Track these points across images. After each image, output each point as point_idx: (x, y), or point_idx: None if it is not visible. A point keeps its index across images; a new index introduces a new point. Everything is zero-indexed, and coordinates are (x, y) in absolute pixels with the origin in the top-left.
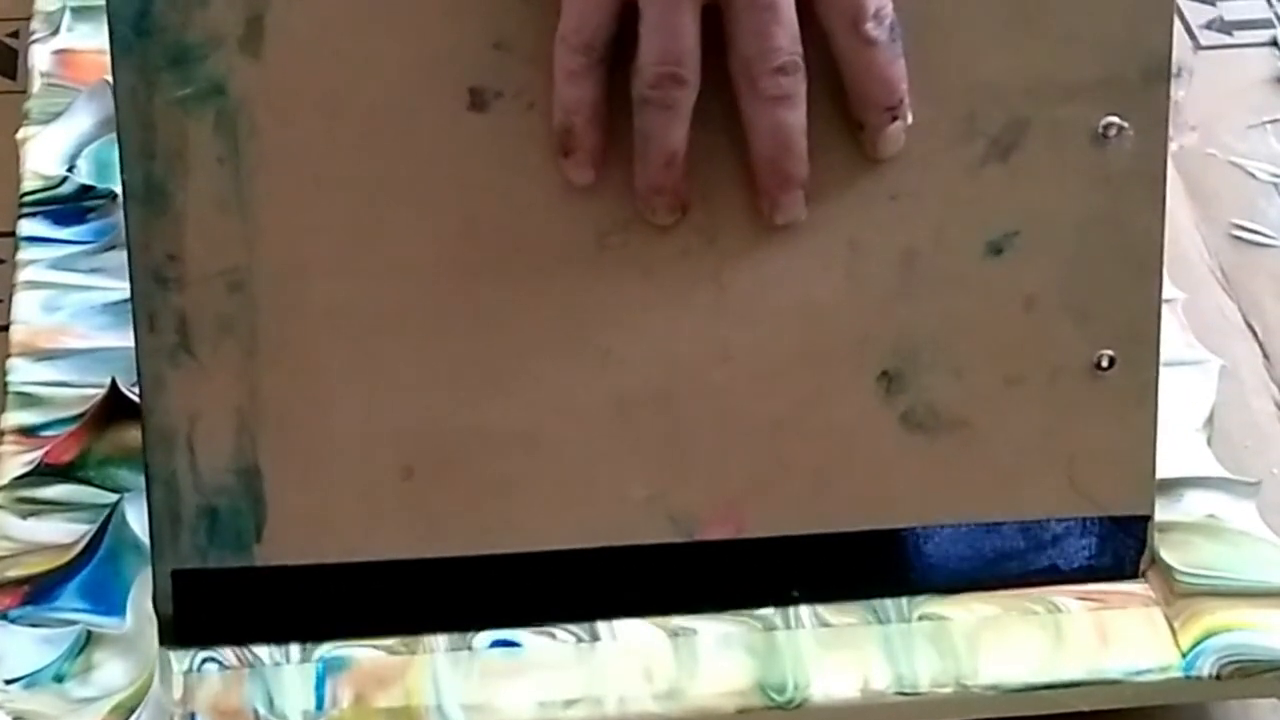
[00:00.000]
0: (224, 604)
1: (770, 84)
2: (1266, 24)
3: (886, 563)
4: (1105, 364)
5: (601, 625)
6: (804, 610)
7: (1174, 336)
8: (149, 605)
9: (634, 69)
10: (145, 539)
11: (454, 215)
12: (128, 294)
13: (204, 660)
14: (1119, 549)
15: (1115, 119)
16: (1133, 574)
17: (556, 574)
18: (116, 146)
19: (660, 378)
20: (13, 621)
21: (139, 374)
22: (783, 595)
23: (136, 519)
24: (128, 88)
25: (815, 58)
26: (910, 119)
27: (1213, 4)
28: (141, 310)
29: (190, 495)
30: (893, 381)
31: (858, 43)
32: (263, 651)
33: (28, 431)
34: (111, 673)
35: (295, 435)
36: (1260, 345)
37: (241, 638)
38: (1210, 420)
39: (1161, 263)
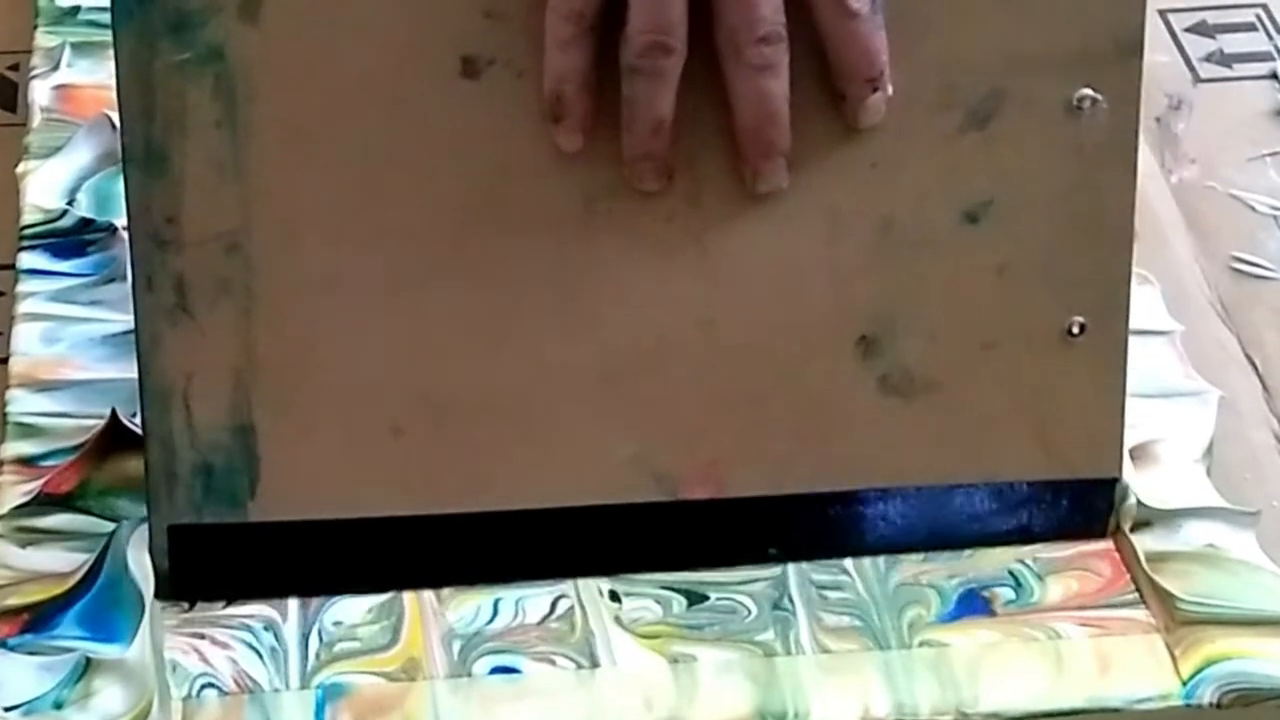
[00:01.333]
0: (218, 559)
1: (754, 53)
2: (1266, 56)
3: (863, 523)
4: (1076, 330)
5: (602, 652)
6: (804, 636)
7: (1172, 368)
8: (149, 633)
9: (623, 38)
10: (145, 566)
11: (446, 180)
12: (127, 326)
13: (203, 686)
14: (1088, 511)
15: (1089, 91)
16: (1100, 535)
17: (543, 532)
18: (117, 179)
19: (645, 340)
20: (12, 649)
21: (136, 333)
22: (761, 553)
23: (138, 541)
24: (128, 52)
25: (798, 29)
26: (890, 90)
27: (1212, 37)
28: (140, 271)
29: (186, 452)
30: (870, 346)
31: (840, 14)
32: (261, 677)
33: (27, 462)
34: (110, 699)
35: (289, 394)
36: (1260, 378)
37: (235, 592)
38: (1209, 451)
39: (1132, 232)
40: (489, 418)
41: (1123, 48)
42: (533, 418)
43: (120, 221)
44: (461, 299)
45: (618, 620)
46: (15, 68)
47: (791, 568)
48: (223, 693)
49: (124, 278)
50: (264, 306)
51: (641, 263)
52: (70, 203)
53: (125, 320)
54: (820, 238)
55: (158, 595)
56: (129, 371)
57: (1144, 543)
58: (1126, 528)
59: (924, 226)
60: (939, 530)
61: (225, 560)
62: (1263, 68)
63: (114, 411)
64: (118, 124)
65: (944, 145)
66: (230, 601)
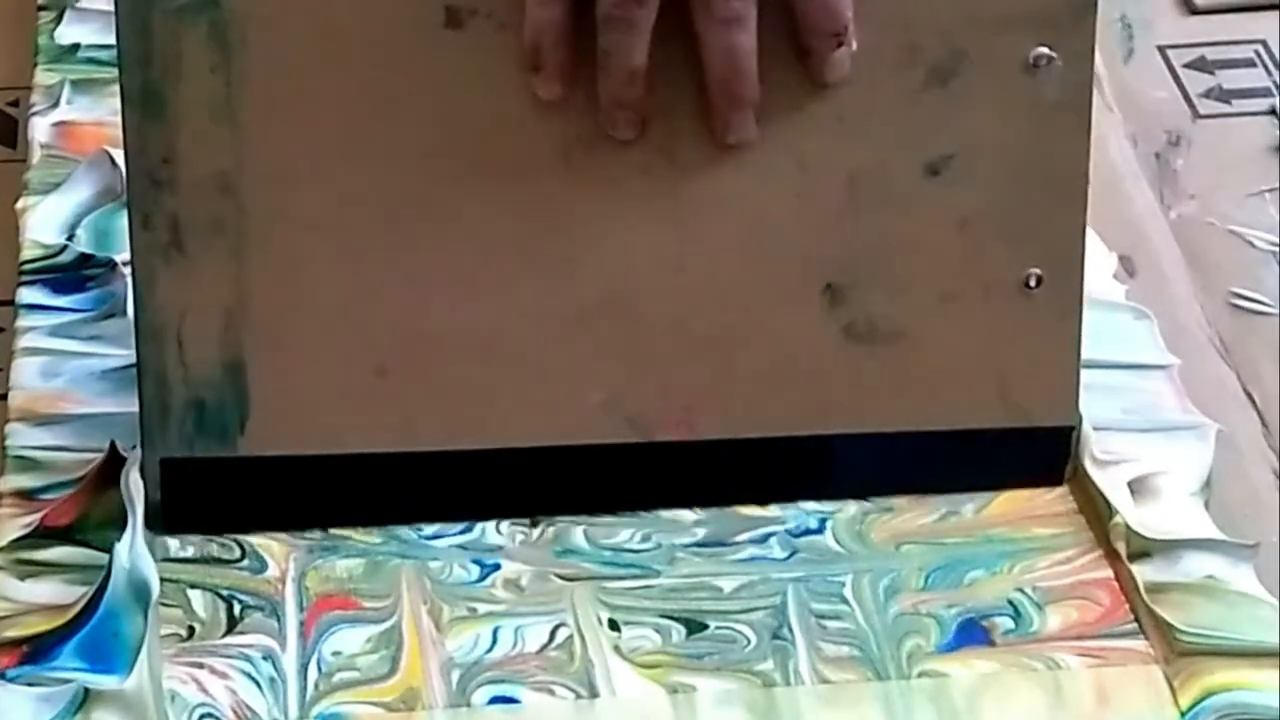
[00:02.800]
0: (209, 492)
1: (722, 7)
2: (1265, 92)
3: (829, 467)
4: (1034, 282)
5: (600, 681)
6: (804, 666)
7: (1169, 402)
8: (148, 664)
9: None
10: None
11: (429, 127)
12: (127, 361)
13: (202, 717)
14: (1045, 458)
15: (1045, 50)
16: (1057, 481)
17: (521, 470)
18: (116, 215)
19: (619, 286)
20: (11, 681)
21: (132, 270)
22: (729, 495)
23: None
24: (128, 0)
25: None
26: (855, 46)
27: (1211, 72)
28: (137, 210)
29: (179, 388)
30: (836, 295)
31: None
32: (260, 707)
33: (26, 495)
34: None
35: (278, 333)
36: (1259, 414)
37: (225, 525)
38: (1208, 484)
39: (1086, 187)
40: (469, 360)
41: (1076, 8)
42: (511, 360)
43: (121, 257)
44: (442, 243)
45: (617, 649)
46: (15, 104)
47: (791, 597)
48: None
49: (123, 313)
50: (255, 246)
51: (616, 211)
52: (70, 238)
53: (125, 355)
54: (788, 189)
55: (150, 527)
56: (129, 406)
57: (1143, 573)
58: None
59: (888, 180)
60: (900, 476)
61: (216, 493)
62: (1262, 104)
63: (113, 444)
64: (116, 156)
65: (907, 102)
66: (220, 533)
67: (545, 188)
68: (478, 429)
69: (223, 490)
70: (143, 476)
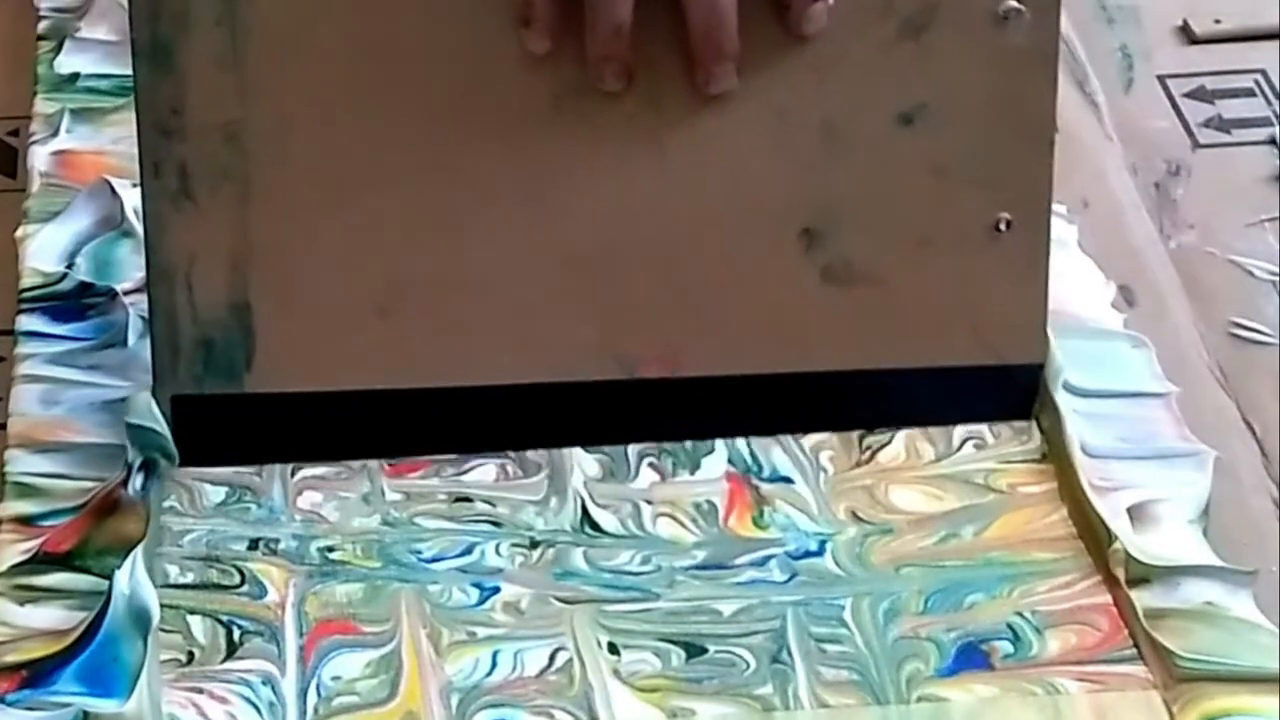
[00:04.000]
0: (217, 427)
1: None
2: (1265, 122)
3: (806, 403)
4: (1003, 226)
5: (600, 705)
6: (803, 690)
7: (1167, 430)
8: (147, 689)
9: None
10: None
11: (425, 78)
12: (128, 392)
13: None
14: (1015, 394)
15: (1014, 3)
16: (1025, 415)
17: (513, 407)
18: (116, 244)
19: (606, 231)
20: (10, 705)
21: (144, 216)
22: (711, 429)
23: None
24: None
25: None
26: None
27: (1211, 102)
28: (147, 159)
29: (188, 328)
30: (814, 239)
31: None
32: None
33: (26, 521)
34: None
35: (282, 275)
36: (1259, 444)
37: (233, 458)
38: (1206, 512)
39: (1053, 134)
40: (464, 301)
41: None
42: (504, 302)
43: (121, 286)
44: (438, 189)
45: (616, 673)
46: (15, 133)
47: (790, 620)
48: None
49: (124, 343)
50: (259, 193)
51: (603, 158)
52: (69, 267)
53: (125, 387)
54: (767, 138)
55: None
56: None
57: (1142, 599)
58: (1121, 577)
59: (863, 128)
60: (875, 412)
61: (223, 428)
62: (1262, 133)
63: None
64: (116, 185)
65: (881, 53)
66: (228, 465)
67: (536, 136)
68: (473, 366)
69: (230, 425)
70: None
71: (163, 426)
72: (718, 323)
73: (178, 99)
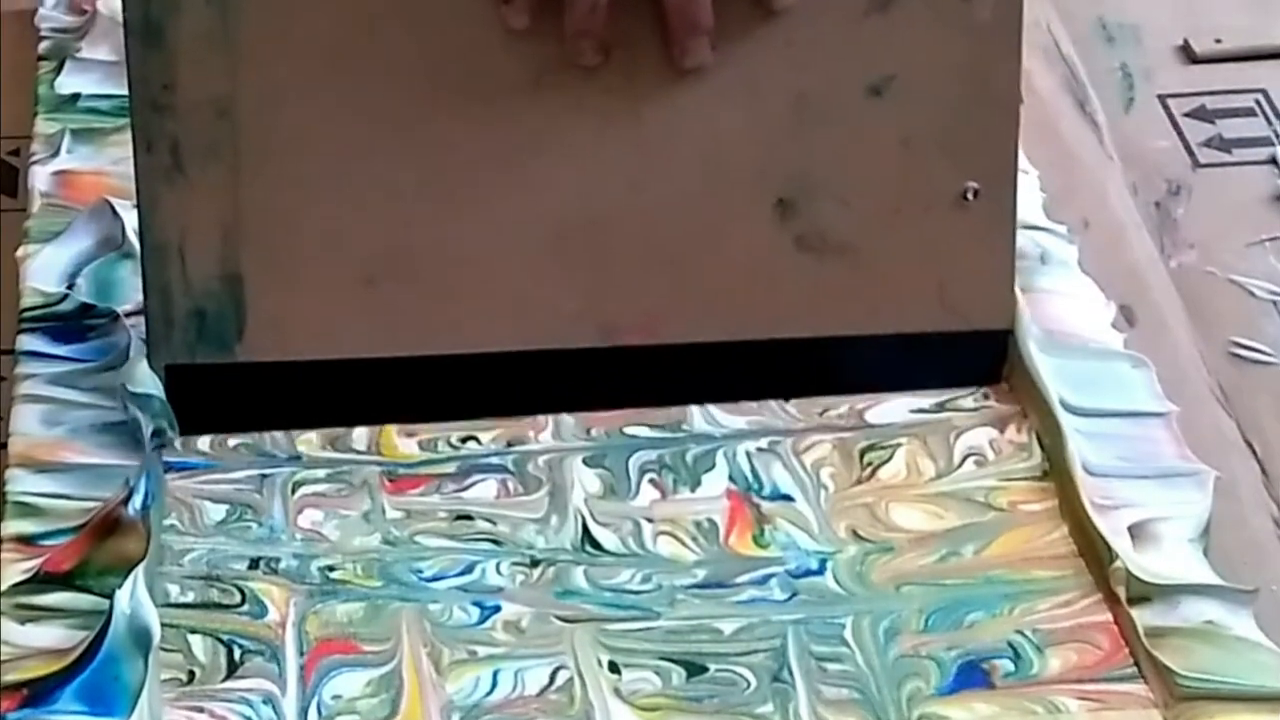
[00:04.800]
0: (210, 395)
1: None
2: (1265, 141)
3: (781, 370)
4: (971, 195)
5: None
6: (804, 709)
7: (1167, 449)
8: (147, 708)
9: None
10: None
11: (410, 54)
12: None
13: None
14: (983, 359)
15: None
16: (994, 380)
17: (497, 374)
18: (116, 265)
19: (586, 202)
20: None
21: (137, 192)
22: (689, 395)
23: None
24: None
25: None
26: None
27: (1211, 122)
28: (140, 135)
29: (181, 299)
30: (787, 208)
31: None
32: None
33: (26, 540)
34: None
35: (272, 247)
36: (1259, 463)
37: (224, 426)
38: (1206, 531)
39: (1019, 105)
40: (449, 271)
41: None
42: (488, 272)
43: (122, 309)
44: (424, 162)
45: (617, 692)
46: (16, 153)
47: (791, 639)
48: None
49: (125, 365)
50: (250, 167)
51: (583, 131)
52: (70, 287)
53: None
54: (741, 110)
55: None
56: (131, 459)
57: (1143, 617)
58: (1122, 595)
59: (833, 99)
60: (848, 377)
61: (216, 397)
62: (1262, 153)
63: (116, 493)
64: (117, 206)
65: (851, 26)
66: (220, 433)
67: (517, 110)
68: (458, 335)
69: (223, 394)
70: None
71: (162, 395)
72: (695, 291)
73: (169, 76)
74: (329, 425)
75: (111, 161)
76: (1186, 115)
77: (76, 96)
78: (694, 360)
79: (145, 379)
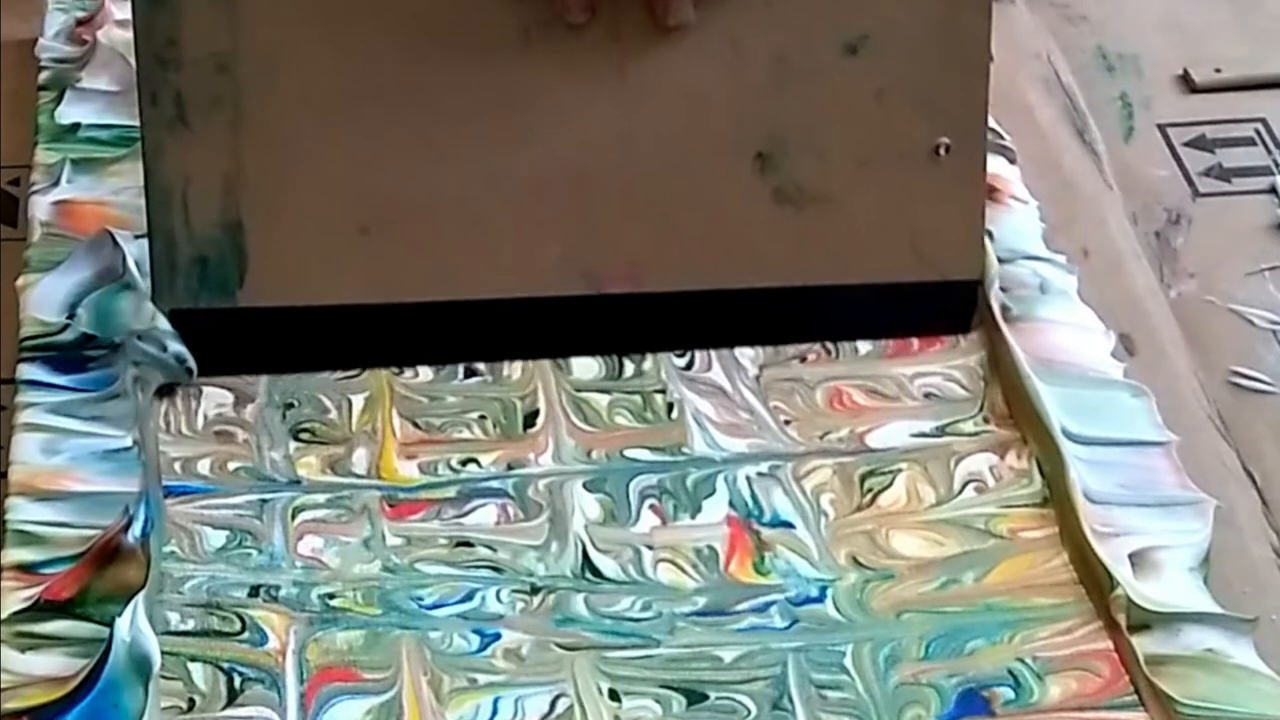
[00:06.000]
0: (213, 339)
1: None
2: (1265, 171)
3: (759, 318)
4: (942, 150)
5: None
6: None
7: (1167, 478)
8: None
9: None
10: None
11: (404, 12)
12: (130, 443)
13: None
14: (954, 308)
15: None
16: (964, 329)
17: (487, 320)
18: (117, 296)
19: (573, 155)
20: None
21: (142, 142)
22: (672, 341)
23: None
24: None
25: None
26: None
27: (1211, 151)
28: (145, 88)
29: (185, 247)
30: (766, 161)
31: None
32: None
33: (26, 568)
34: None
35: (271, 197)
36: (1259, 492)
37: (226, 368)
38: (1206, 560)
39: (988, 63)
40: (440, 221)
41: None
42: (478, 222)
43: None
44: (417, 116)
45: None
46: (16, 182)
47: (791, 667)
48: None
49: (126, 395)
50: (250, 119)
51: (570, 87)
52: (70, 317)
53: (129, 438)
54: (721, 66)
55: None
56: (131, 486)
57: (1143, 645)
58: (1122, 623)
59: (811, 57)
60: (824, 325)
61: (219, 341)
62: (1262, 182)
63: (115, 520)
64: (118, 237)
65: None
66: (222, 375)
67: (507, 66)
68: (449, 283)
69: (225, 338)
70: None
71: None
72: (677, 241)
73: (173, 31)
74: (325, 369)
75: (112, 191)
76: (1186, 144)
77: (77, 126)
78: (676, 309)
79: (149, 317)
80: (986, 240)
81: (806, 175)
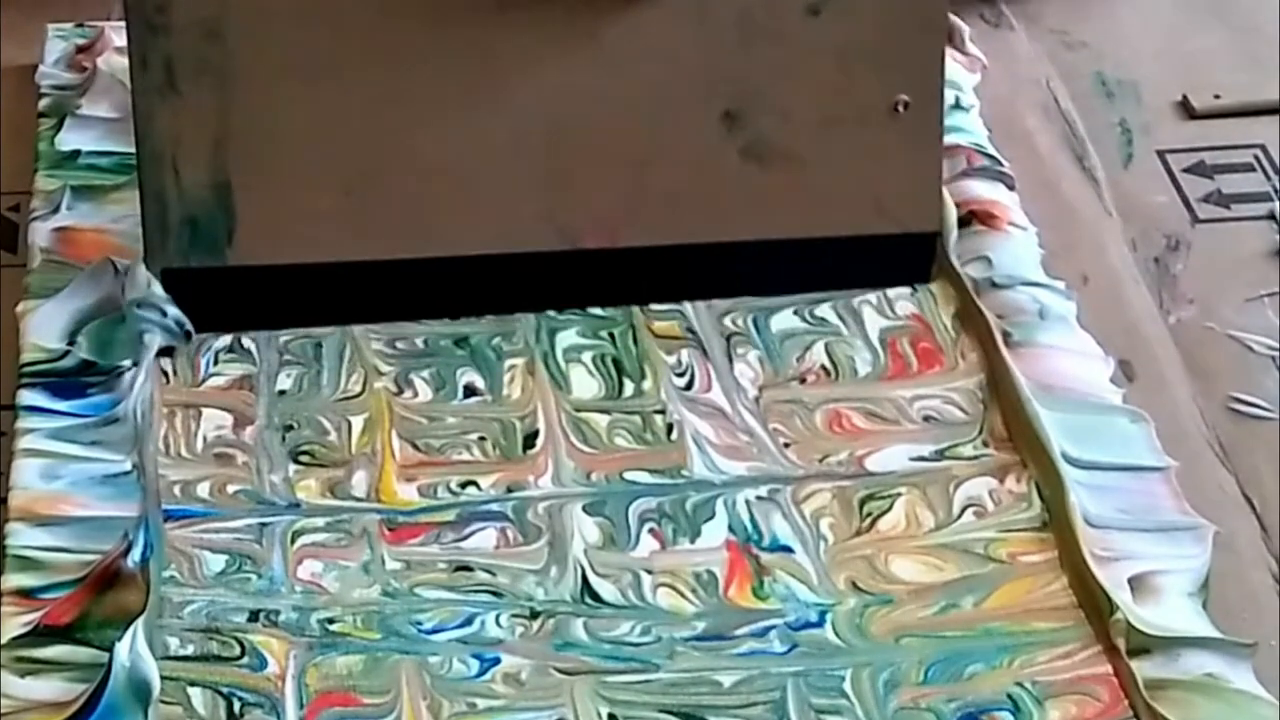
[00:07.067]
0: (203, 297)
1: None
2: (1264, 197)
3: (729, 271)
4: (902, 108)
5: None
6: None
7: (1166, 503)
8: None
9: None
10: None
11: None
12: (129, 466)
13: None
14: (915, 259)
15: None
16: (925, 279)
17: (469, 276)
18: (117, 325)
19: (549, 116)
20: None
21: (134, 107)
22: (647, 295)
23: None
24: None
25: None
26: None
27: (1210, 177)
28: (136, 54)
29: (175, 207)
30: (734, 120)
31: None
32: None
33: (26, 594)
34: None
35: (259, 159)
36: (1258, 518)
37: (216, 325)
38: (1205, 585)
39: (946, 24)
40: (421, 181)
41: None
42: (458, 181)
43: (125, 363)
44: (398, 80)
45: None
46: (16, 208)
47: (790, 691)
48: None
49: (125, 420)
50: (237, 84)
51: (545, 50)
52: (71, 344)
53: (129, 462)
54: (690, 29)
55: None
56: (130, 510)
57: (1143, 670)
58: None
59: (775, 18)
60: (791, 277)
61: (209, 298)
62: (1261, 208)
63: (114, 545)
64: (120, 265)
65: None
66: (213, 332)
67: (485, 32)
68: (431, 240)
69: (215, 296)
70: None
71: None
72: (650, 198)
73: None
74: (312, 325)
75: (112, 219)
76: (1185, 171)
77: (77, 153)
78: (650, 263)
79: (144, 283)
80: (944, 192)
81: (772, 133)
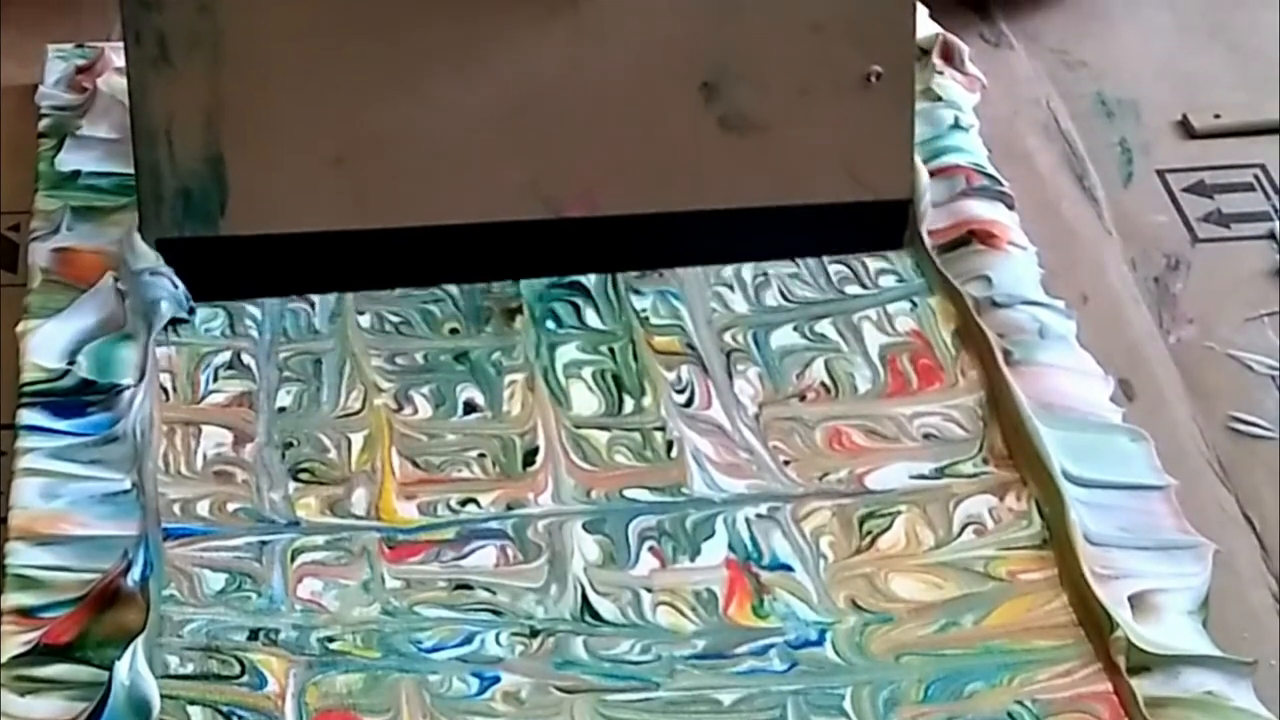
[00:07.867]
0: (197, 267)
1: None
2: (1264, 217)
3: (709, 238)
4: (874, 78)
5: None
6: None
7: (1166, 522)
8: None
9: None
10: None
11: None
12: (129, 485)
13: None
14: (888, 226)
15: None
16: (897, 245)
17: (455, 244)
18: (117, 345)
19: (532, 87)
20: None
21: (128, 81)
22: (627, 262)
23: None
24: None
25: None
26: None
27: (1210, 197)
28: (130, 28)
29: (169, 179)
30: (711, 91)
31: None
32: None
33: (26, 613)
34: None
35: (250, 130)
36: (1258, 537)
37: (212, 294)
38: (1205, 603)
39: None
40: (409, 152)
41: None
42: (444, 151)
43: (124, 380)
44: (385, 53)
45: None
46: (16, 228)
47: (790, 710)
48: None
49: (125, 438)
50: (229, 58)
51: (527, 23)
52: (71, 364)
53: (128, 480)
54: (669, 1)
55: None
56: (130, 529)
57: (1143, 688)
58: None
59: None
60: (768, 244)
61: (203, 267)
62: (1261, 228)
63: (114, 564)
64: (121, 287)
65: None
66: (207, 300)
67: (469, 3)
68: (418, 209)
69: (209, 265)
70: None
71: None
72: (630, 167)
73: None
74: (304, 293)
75: (112, 240)
76: (1185, 190)
77: (77, 174)
78: (631, 231)
79: (146, 253)
80: (917, 161)
81: (749, 104)
